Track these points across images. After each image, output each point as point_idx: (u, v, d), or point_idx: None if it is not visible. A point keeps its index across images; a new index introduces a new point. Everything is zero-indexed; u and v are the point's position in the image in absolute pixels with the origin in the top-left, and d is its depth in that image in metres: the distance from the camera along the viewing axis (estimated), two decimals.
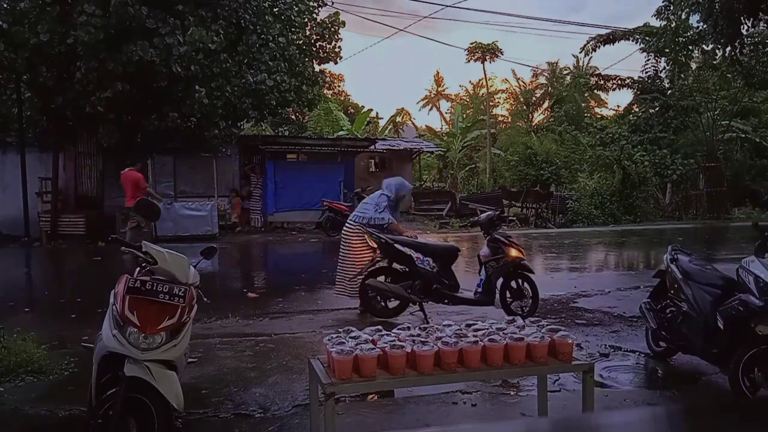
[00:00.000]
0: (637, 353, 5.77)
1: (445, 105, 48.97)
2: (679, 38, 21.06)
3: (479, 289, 6.93)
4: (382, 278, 7.17)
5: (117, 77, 14.02)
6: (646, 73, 23.60)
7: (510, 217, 21.54)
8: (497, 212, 7.16)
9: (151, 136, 16.38)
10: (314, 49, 19.82)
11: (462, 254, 14.78)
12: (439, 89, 48.81)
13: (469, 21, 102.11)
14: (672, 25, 21.03)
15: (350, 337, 3.26)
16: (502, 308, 6.90)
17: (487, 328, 3.39)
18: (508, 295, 6.96)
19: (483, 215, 7.46)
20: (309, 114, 29.13)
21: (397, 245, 6.90)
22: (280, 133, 28.44)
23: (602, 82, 25.07)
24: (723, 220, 21.96)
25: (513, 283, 6.95)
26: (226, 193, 18.05)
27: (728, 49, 14.41)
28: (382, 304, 7.14)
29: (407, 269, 6.94)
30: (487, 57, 33.62)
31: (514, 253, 6.83)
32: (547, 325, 3.49)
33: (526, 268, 6.98)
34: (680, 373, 5.35)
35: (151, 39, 13.84)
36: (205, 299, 4.02)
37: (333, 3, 20.80)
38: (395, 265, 7.12)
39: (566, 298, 8.19)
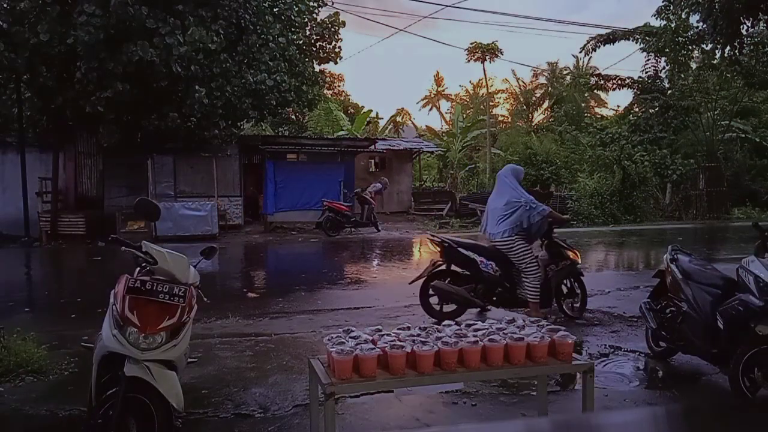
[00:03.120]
0: (637, 353, 5.77)
1: (445, 105, 49.05)
2: (679, 38, 21.05)
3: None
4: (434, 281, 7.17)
5: (117, 77, 14.03)
6: (646, 73, 23.61)
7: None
8: (550, 217, 6.90)
9: (151, 136, 16.40)
10: (314, 49, 19.83)
11: None
12: (439, 89, 48.82)
13: (469, 21, 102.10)
14: (672, 25, 21.03)
15: (350, 337, 3.26)
16: (558, 308, 7.11)
17: (487, 328, 3.40)
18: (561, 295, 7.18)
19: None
20: (309, 114, 29.13)
21: (460, 249, 6.89)
22: (280, 133, 28.46)
23: (602, 82, 25.07)
24: (723, 220, 21.96)
25: (567, 283, 7.12)
26: (227, 193, 18.05)
27: (728, 49, 14.40)
28: (439, 306, 7.02)
29: (468, 273, 6.92)
30: (487, 57, 33.59)
31: (573, 256, 6.99)
32: (547, 325, 3.49)
33: (579, 270, 7.18)
34: (680, 373, 5.35)
35: (151, 39, 13.85)
36: (205, 299, 4.02)
37: (333, 3, 20.84)
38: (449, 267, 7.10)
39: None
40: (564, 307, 7.12)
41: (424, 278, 6.99)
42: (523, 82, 42.87)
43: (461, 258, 6.89)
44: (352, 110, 37.08)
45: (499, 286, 6.86)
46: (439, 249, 6.98)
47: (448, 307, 7.00)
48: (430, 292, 6.95)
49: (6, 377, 4.99)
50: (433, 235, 7.28)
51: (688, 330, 4.99)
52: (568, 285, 7.14)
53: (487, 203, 7.07)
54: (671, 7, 19.81)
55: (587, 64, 38.03)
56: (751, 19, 13.13)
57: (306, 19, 18.95)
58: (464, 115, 39.18)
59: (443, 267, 7.02)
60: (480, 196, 25.21)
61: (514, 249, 6.68)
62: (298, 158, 20.29)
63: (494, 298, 6.92)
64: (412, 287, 8.93)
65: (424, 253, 15.18)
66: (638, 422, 1.52)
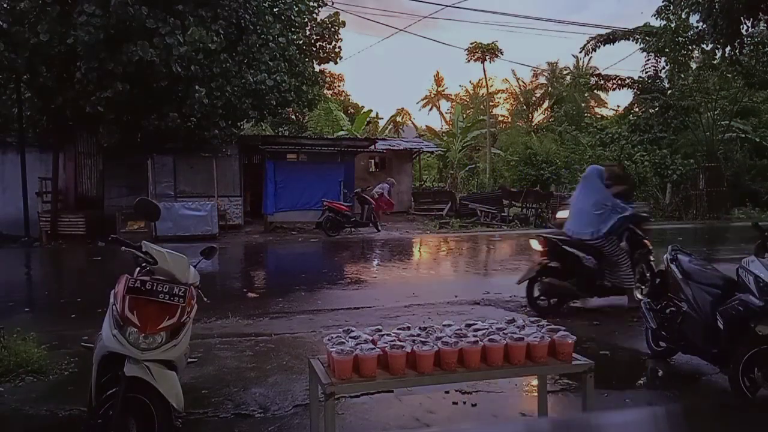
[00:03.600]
0: (637, 353, 5.77)
1: (445, 105, 49.06)
2: (679, 38, 21.06)
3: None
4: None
5: (117, 77, 14.03)
6: (646, 73, 23.62)
7: (509, 217, 21.58)
8: (632, 214, 7.40)
9: (151, 136, 16.39)
10: (314, 49, 19.83)
11: (464, 252, 14.80)
12: (439, 89, 48.82)
13: (469, 21, 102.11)
14: (672, 25, 21.03)
15: (350, 337, 3.25)
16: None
17: (487, 328, 3.39)
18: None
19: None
20: (309, 114, 29.14)
21: (565, 246, 7.30)
22: (280, 133, 28.45)
23: (602, 82, 25.08)
24: (723, 220, 21.96)
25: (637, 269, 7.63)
26: (227, 193, 18.05)
27: (728, 49, 14.39)
28: (545, 302, 7.44)
29: (565, 267, 7.28)
30: (487, 57, 33.58)
31: (648, 244, 7.53)
32: (547, 325, 3.49)
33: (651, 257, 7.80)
34: (680, 373, 5.34)
35: (151, 39, 13.85)
36: (205, 299, 4.02)
37: (333, 3, 20.84)
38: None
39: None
40: (635, 292, 7.57)
41: (530, 277, 7.39)
42: (523, 82, 42.91)
43: (565, 255, 7.28)
44: (352, 110, 37.08)
45: (599, 277, 7.28)
46: (545, 248, 7.38)
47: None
48: (536, 288, 7.39)
49: (6, 377, 4.99)
50: (539, 235, 7.79)
51: (688, 330, 4.99)
52: (639, 271, 7.64)
53: (572, 202, 7.62)
54: (671, 7, 19.81)
55: (587, 64, 38.07)
56: (751, 19, 13.13)
57: (306, 19, 18.95)
58: (464, 115, 39.18)
59: (546, 265, 7.40)
60: (480, 196, 25.19)
61: (605, 246, 7.20)
62: (298, 158, 20.28)
63: (592, 289, 7.36)
64: (411, 287, 8.95)
65: (424, 253, 15.18)
66: (638, 422, 1.52)
